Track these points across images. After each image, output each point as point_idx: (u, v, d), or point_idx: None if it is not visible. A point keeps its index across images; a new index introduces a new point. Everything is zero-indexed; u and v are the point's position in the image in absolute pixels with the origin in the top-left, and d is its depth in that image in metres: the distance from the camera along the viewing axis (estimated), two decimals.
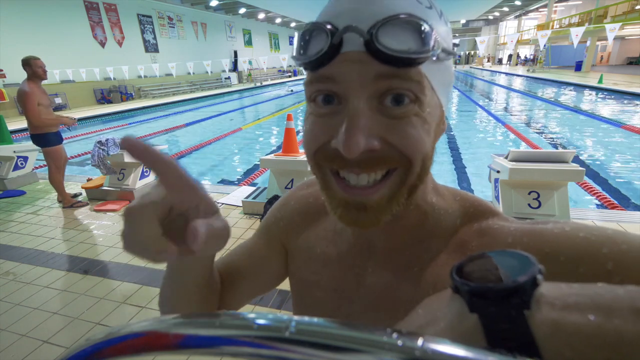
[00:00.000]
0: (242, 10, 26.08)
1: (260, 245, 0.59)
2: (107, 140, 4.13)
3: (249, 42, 30.63)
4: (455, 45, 0.39)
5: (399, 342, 0.18)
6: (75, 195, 4.34)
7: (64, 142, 4.12)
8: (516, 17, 41.50)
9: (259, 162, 3.94)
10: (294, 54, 0.37)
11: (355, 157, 0.33)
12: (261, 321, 0.21)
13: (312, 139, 0.38)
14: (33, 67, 3.58)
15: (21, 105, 3.64)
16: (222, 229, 0.33)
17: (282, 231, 0.57)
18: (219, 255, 0.48)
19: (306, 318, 0.21)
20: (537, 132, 7.65)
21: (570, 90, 15.50)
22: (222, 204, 3.99)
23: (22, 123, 10.79)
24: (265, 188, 3.89)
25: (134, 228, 0.29)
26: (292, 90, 16.07)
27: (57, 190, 4.12)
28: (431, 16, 0.35)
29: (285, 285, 0.57)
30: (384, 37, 0.32)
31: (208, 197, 0.33)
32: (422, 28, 0.33)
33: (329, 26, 0.34)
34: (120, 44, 18.14)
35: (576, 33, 8.03)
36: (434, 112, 0.37)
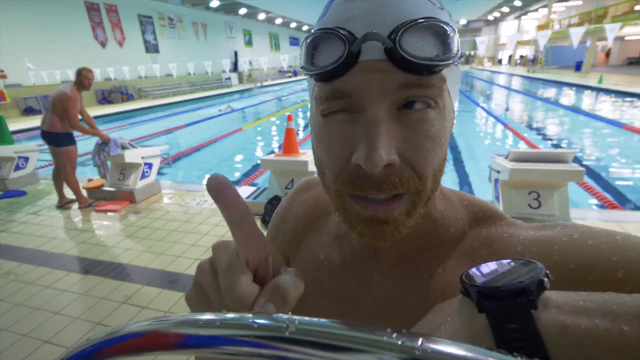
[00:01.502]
0: (243, 11, 26.10)
1: None
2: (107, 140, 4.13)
3: (249, 43, 30.65)
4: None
5: (399, 342, 0.18)
6: (74, 200, 4.27)
7: None
8: (516, 17, 41.50)
9: (259, 163, 3.94)
10: (302, 64, 0.34)
11: (376, 173, 0.32)
12: (261, 321, 0.21)
13: (330, 158, 0.35)
14: (82, 77, 3.83)
15: (59, 106, 3.74)
16: (298, 277, 0.30)
17: (286, 242, 0.55)
18: None
19: (306, 318, 0.21)
20: (537, 132, 7.64)
21: (570, 90, 15.52)
22: None
23: (23, 124, 10.80)
24: (265, 188, 3.89)
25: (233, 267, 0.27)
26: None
27: (74, 191, 4.06)
28: (444, 18, 0.33)
29: None
30: (407, 44, 0.29)
31: (274, 249, 0.30)
32: (447, 32, 0.31)
33: (343, 31, 0.31)
34: (120, 44, 18.17)
35: (576, 33, 8.01)
36: (450, 117, 0.36)
